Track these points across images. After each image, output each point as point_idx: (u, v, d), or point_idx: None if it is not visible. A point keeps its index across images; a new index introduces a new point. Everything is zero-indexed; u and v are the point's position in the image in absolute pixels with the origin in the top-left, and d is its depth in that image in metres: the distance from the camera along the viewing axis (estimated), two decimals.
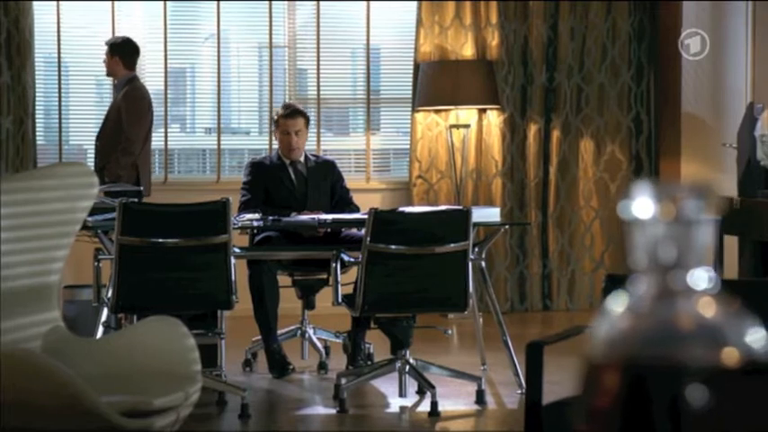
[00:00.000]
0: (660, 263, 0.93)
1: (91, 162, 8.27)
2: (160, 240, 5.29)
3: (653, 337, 0.92)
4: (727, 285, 0.95)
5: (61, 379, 3.27)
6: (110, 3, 8.37)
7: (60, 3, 8.36)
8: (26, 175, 4.66)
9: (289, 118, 6.46)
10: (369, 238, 5.40)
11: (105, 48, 7.64)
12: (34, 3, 8.21)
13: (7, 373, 3.29)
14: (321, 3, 8.66)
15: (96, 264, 5.66)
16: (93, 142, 7.67)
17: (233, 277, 5.38)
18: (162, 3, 8.48)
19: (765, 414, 0.91)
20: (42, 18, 8.32)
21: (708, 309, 0.92)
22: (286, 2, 8.68)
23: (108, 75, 7.70)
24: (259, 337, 6.30)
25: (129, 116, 7.49)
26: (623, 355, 0.92)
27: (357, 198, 6.77)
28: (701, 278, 0.93)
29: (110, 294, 5.37)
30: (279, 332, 6.27)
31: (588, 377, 0.95)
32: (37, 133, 8.30)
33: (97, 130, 7.69)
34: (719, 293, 0.93)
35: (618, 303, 0.95)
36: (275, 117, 6.61)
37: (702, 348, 0.90)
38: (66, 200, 3.93)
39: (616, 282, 3.31)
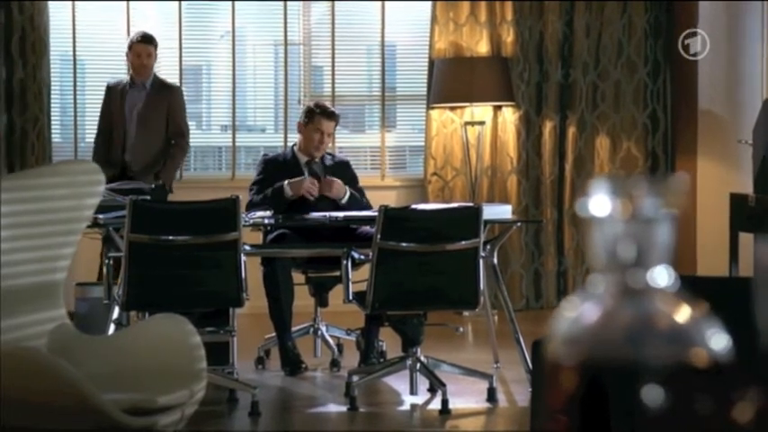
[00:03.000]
0: (619, 261, 0.91)
1: None
2: (170, 238, 5.29)
3: (610, 336, 0.90)
4: (688, 283, 0.94)
5: (64, 377, 3.27)
6: (125, 1, 8.38)
7: (75, 1, 8.37)
8: (33, 173, 4.67)
9: (326, 118, 6.38)
10: (379, 236, 5.39)
11: (148, 46, 7.50)
12: (49, 1, 8.22)
13: (10, 370, 3.29)
14: (336, 0, 8.65)
15: (107, 261, 5.66)
16: (131, 148, 7.46)
17: (243, 275, 5.37)
18: (177, 1, 8.48)
19: (723, 413, 0.89)
20: (57, 16, 8.34)
21: (667, 307, 0.90)
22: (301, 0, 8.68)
23: (142, 75, 7.52)
24: (272, 334, 6.30)
25: (182, 111, 7.58)
26: (580, 354, 0.91)
27: (372, 195, 6.75)
28: (660, 276, 0.91)
29: (120, 292, 5.37)
30: (292, 329, 6.26)
31: (547, 377, 0.94)
32: (52, 131, 8.32)
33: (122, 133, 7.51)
34: (679, 292, 0.91)
35: (576, 302, 0.93)
36: (309, 110, 6.45)
37: (660, 348, 0.89)
38: (73, 197, 3.93)
39: None
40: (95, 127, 7.77)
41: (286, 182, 6.27)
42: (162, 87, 7.59)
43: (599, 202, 0.91)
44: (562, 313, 0.93)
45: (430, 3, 8.56)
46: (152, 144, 7.47)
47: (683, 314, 0.90)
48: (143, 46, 7.52)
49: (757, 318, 0.96)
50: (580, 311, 0.92)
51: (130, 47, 7.56)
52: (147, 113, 7.48)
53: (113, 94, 7.60)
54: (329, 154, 6.67)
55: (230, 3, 8.55)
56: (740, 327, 1.03)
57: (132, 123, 7.50)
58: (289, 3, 8.62)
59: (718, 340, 0.90)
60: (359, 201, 6.43)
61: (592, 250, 0.92)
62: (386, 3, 8.65)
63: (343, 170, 6.57)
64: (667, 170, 8.61)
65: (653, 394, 0.87)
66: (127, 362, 3.75)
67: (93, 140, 7.78)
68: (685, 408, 0.88)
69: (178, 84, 7.96)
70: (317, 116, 6.40)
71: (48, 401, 3.32)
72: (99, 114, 7.73)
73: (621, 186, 0.90)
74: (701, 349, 0.89)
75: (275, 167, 6.43)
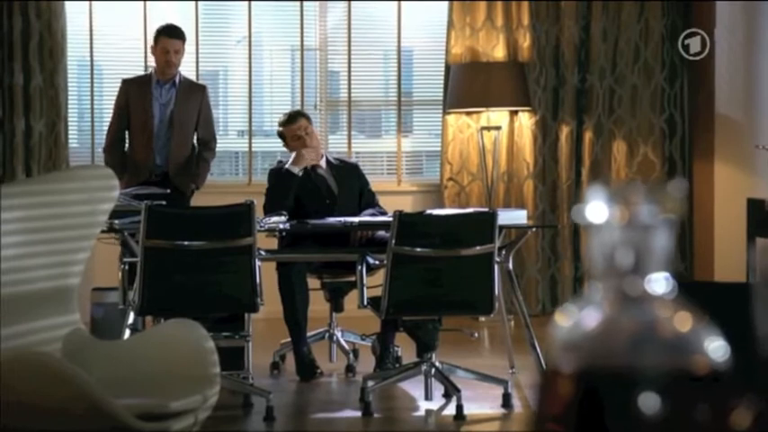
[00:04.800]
0: (616, 268, 0.91)
1: None
2: (185, 243, 5.30)
3: (607, 343, 0.90)
4: (686, 289, 0.93)
5: (77, 382, 3.28)
6: (141, 5, 8.40)
7: (93, 4, 8.39)
8: (47, 178, 4.68)
9: (291, 123, 6.45)
10: (394, 241, 5.39)
11: (176, 41, 7.06)
12: (66, 5, 8.24)
13: (23, 375, 3.30)
14: (352, 3, 8.65)
15: (123, 266, 5.67)
16: (162, 150, 7.09)
17: (258, 280, 5.38)
18: (194, 6, 8.50)
19: (720, 421, 0.89)
20: (75, 20, 8.36)
21: (664, 314, 0.90)
22: (317, 2, 8.68)
23: (167, 74, 7.09)
24: (288, 339, 6.30)
25: (211, 114, 7.32)
26: (577, 361, 0.90)
27: (389, 200, 6.76)
28: (658, 283, 0.91)
29: (135, 297, 5.38)
30: (307, 335, 6.26)
31: (544, 383, 0.93)
32: (70, 136, 8.34)
33: (149, 133, 7.09)
34: (677, 298, 0.91)
35: (573, 309, 0.93)
36: (279, 131, 6.57)
37: (658, 355, 0.88)
38: (87, 203, 3.94)
39: None
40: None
41: (286, 165, 6.34)
42: (192, 86, 7.28)
43: (596, 209, 0.90)
44: (559, 320, 0.93)
45: (446, 7, 8.56)
46: (185, 147, 7.14)
47: (680, 321, 0.89)
48: (171, 41, 7.06)
49: (757, 324, 0.95)
50: (577, 319, 0.92)
51: (156, 40, 7.12)
52: (181, 114, 7.09)
53: (134, 91, 7.13)
54: (336, 158, 6.69)
55: (246, 8, 8.56)
56: (739, 333, 1.02)
57: (164, 124, 7.09)
58: (305, 6, 8.62)
59: (717, 347, 0.89)
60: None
61: (589, 257, 0.92)
62: (402, 7, 8.65)
63: (352, 173, 6.57)
64: (685, 175, 8.58)
65: (650, 402, 0.87)
66: (140, 367, 3.75)
67: (106, 141, 7.30)
68: (682, 416, 0.87)
69: (188, 80, 7.53)
70: (284, 128, 6.49)
71: (60, 406, 3.32)
72: (114, 114, 7.22)
73: (618, 192, 0.90)
74: (698, 356, 0.88)
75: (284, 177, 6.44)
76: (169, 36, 7.09)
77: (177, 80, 7.15)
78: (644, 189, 0.90)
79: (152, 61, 7.37)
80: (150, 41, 7.38)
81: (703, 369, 0.88)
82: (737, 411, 0.90)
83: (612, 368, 0.89)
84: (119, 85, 7.37)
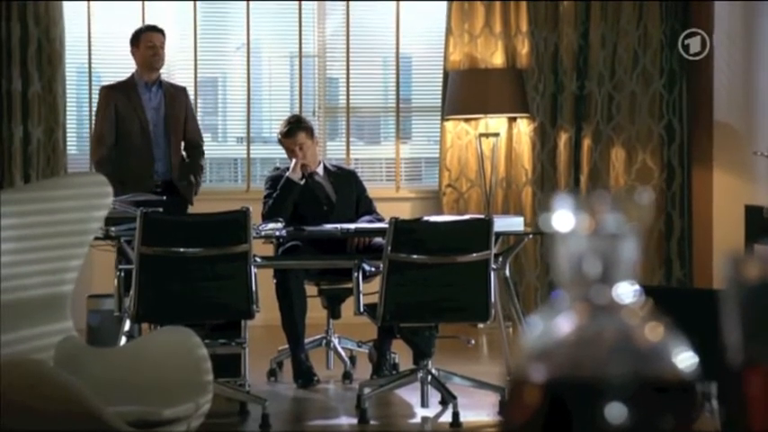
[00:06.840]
0: (583, 276, 0.90)
1: None
2: (181, 250, 5.30)
3: (574, 352, 0.89)
4: (653, 295, 0.93)
5: (68, 389, 3.27)
6: (140, 13, 8.40)
7: (91, 10, 8.39)
8: (41, 185, 4.68)
9: (288, 137, 6.46)
10: (390, 248, 5.38)
11: (160, 36, 7.06)
12: (65, 11, 8.24)
13: (15, 383, 3.30)
14: (351, 3, 8.65)
15: (119, 273, 5.67)
16: (163, 157, 7.01)
17: (254, 287, 5.37)
18: (192, 13, 8.50)
19: (687, 429, 0.88)
20: (73, 27, 8.36)
21: (631, 323, 0.89)
22: (316, 2, 8.67)
23: (156, 68, 7.04)
24: (285, 346, 6.30)
25: (195, 114, 7.32)
26: (543, 370, 0.90)
27: (387, 207, 6.75)
28: (625, 292, 0.90)
29: (131, 304, 5.37)
30: (305, 341, 6.26)
31: (512, 391, 0.93)
32: (68, 143, 8.34)
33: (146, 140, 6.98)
34: (644, 306, 0.90)
35: (541, 319, 0.92)
36: (278, 138, 6.60)
37: (625, 364, 0.88)
38: (81, 209, 3.93)
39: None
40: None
41: (287, 174, 6.37)
42: (175, 88, 7.24)
43: (562, 218, 0.90)
44: (526, 329, 0.92)
45: (445, 14, 8.56)
46: (180, 151, 7.10)
47: (648, 330, 0.89)
48: (155, 34, 7.04)
49: (725, 331, 0.95)
50: (544, 328, 0.91)
51: (138, 39, 7.05)
52: (174, 117, 7.04)
53: (121, 97, 7.00)
54: (334, 165, 6.70)
55: (245, 15, 8.57)
56: (707, 340, 1.02)
57: (160, 130, 7.00)
58: (304, 13, 8.63)
59: (684, 356, 0.89)
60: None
61: (556, 266, 0.91)
62: (401, 14, 8.65)
63: (349, 180, 6.58)
64: (683, 181, 8.57)
65: (616, 412, 0.86)
66: (133, 374, 3.75)
67: (96, 153, 7.08)
68: (649, 426, 0.87)
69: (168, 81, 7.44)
70: (282, 138, 6.52)
71: (53, 414, 3.32)
72: (103, 123, 7.02)
73: (584, 201, 0.89)
74: (666, 365, 0.88)
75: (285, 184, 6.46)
76: (152, 30, 7.12)
77: (158, 81, 7.12)
78: (609, 198, 0.90)
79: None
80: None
81: (671, 379, 0.88)
82: (703, 420, 0.89)
83: (579, 378, 0.88)
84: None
